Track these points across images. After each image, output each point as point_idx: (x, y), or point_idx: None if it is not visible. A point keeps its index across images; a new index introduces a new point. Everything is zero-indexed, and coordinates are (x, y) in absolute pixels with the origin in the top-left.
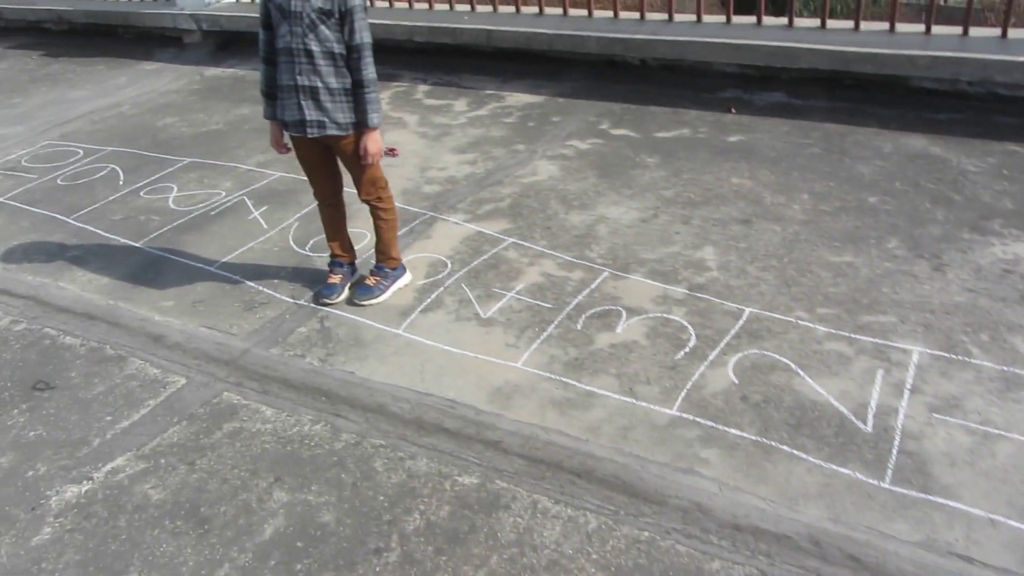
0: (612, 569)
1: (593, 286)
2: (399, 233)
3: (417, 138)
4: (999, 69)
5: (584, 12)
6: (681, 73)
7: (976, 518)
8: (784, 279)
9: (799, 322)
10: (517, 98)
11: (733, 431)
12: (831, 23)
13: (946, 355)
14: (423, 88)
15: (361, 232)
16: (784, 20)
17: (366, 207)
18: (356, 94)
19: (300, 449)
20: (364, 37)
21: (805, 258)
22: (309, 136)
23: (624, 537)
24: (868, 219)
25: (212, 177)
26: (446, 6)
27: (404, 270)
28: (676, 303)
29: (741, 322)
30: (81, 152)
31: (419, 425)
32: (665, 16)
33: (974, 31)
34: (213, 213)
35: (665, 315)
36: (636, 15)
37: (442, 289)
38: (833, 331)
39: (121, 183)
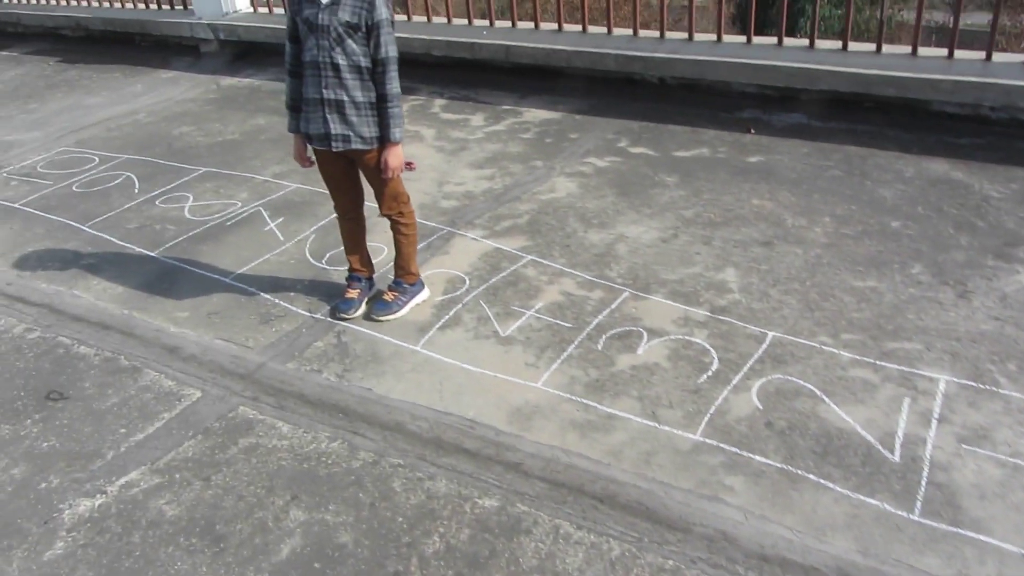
0: None
1: (613, 306)
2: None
3: (434, 152)
4: (1022, 95)
5: (603, 29)
6: (699, 92)
7: (1009, 554)
8: (807, 303)
9: (823, 347)
10: (534, 114)
11: (758, 458)
12: (853, 45)
13: (973, 384)
14: (440, 102)
15: (378, 246)
16: (805, 41)
17: (382, 221)
18: (380, 108)
19: (317, 467)
20: (390, 51)
21: (828, 282)
22: (334, 150)
23: (648, 565)
24: (891, 244)
25: (228, 187)
26: (464, 21)
27: (422, 286)
28: (698, 325)
29: (764, 346)
30: (97, 159)
31: (438, 445)
32: (685, 35)
33: (997, 56)
34: (229, 224)
35: (687, 337)
36: (656, 33)
37: (460, 306)
38: (858, 357)
39: (136, 191)
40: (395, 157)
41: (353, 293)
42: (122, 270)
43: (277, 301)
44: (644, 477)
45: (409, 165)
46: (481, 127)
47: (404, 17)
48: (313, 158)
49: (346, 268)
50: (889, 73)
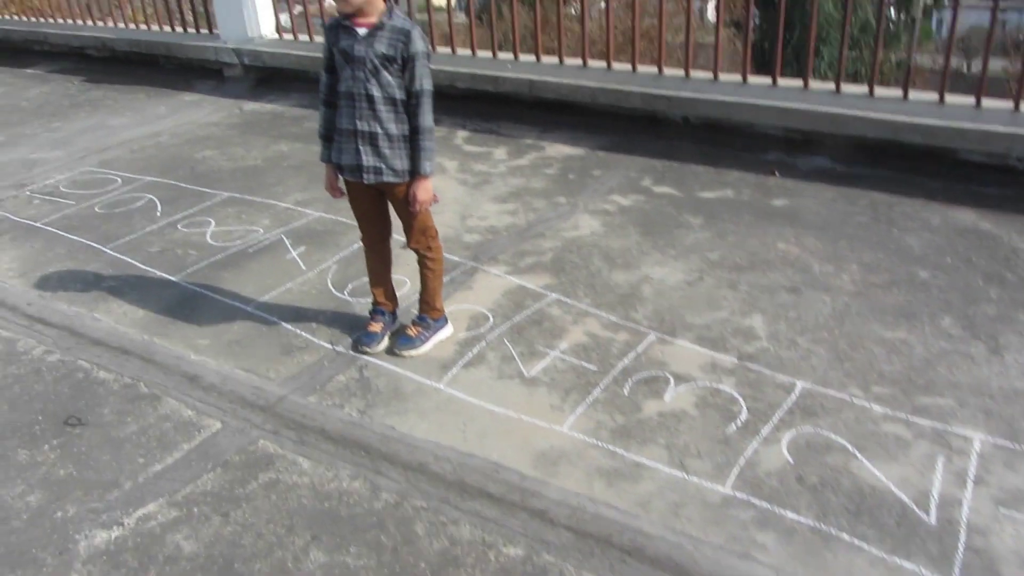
0: None
1: (639, 349)
2: None
3: (457, 184)
4: None
5: (628, 66)
6: (722, 132)
7: None
8: (836, 353)
9: (854, 400)
10: (557, 149)
11: (790, 514)
12: (879, 91)
13: (1010, 444)
14: (462, 134)
15: (401, 279)
16: (831, 85)
17: (404, 253)
18: (412, 140)
19: (338, 506)
20: (425, 84)
21: (857, 332)
22: (365, 182)
23: None
24: (920, 294)
25: (250, 213)
26: (489, 54)
27: (446, 322)
28: (725, 372)
29: (794, 397)
30: (119, 180)
31: (462, 488)
32: (710, 75)
33: None
34: (251, 251)
35: (714, 384)
36: (680, 72)
37: (484, 344)
38: (890, 412)
39: (159, 214)
40: (424, 191)
41: (376, 327)
42: (143, 294)
43: (299, 332)
44: (673, 530)
45: (433, 197)
46: (504, 161)
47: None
48: (344, 189)
49: (368, 300)
50: (917, 120)
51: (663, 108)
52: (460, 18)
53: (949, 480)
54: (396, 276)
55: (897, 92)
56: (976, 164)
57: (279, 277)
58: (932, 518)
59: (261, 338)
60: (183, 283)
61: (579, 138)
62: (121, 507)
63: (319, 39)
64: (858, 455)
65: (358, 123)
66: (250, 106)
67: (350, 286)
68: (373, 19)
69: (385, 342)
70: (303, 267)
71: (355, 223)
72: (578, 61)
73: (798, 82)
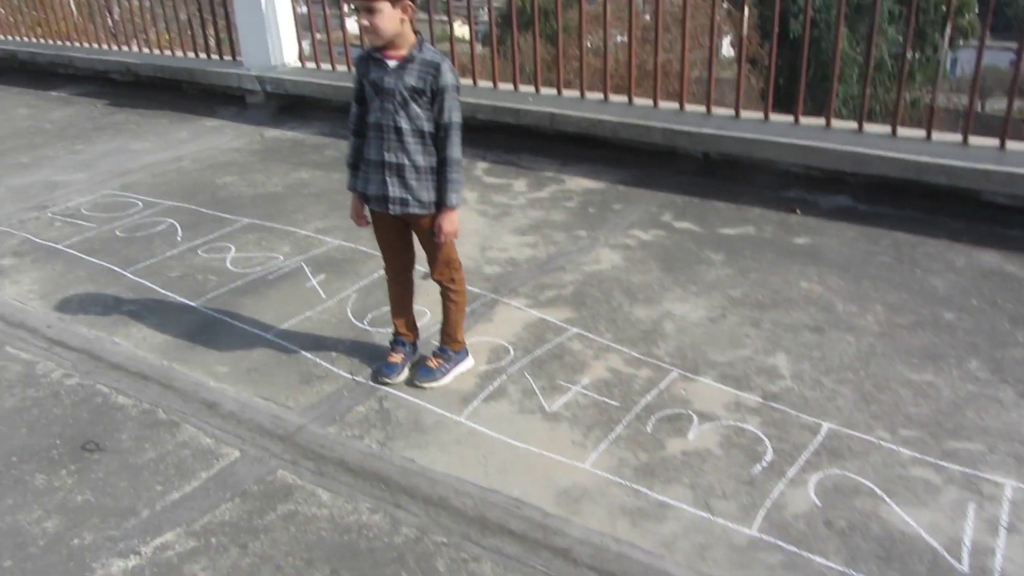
0: None
1: (662, 386)
2: None
3: (476, 215)
4: None
5: (649, 101)
6: (742, 169)
7: None
8: (862, 394)
9: (881, 443)
10: (577, 182)
11: (818, 559)
12: (902, 131)
13: None
14: (482, 165)
15: (421, 309)
16: (853, 124)
17: (425, 284)
18: (440, 172)
19: (358, 540)
20: (454, 117)
21: (883, 373)
22: (391, 213)
23: None
24: (945, 336)
25: (270, 240)
26: (510, 86)
27: (467, 354)
28: (750, 412)
29: (820, 438)
30: (141, 204)
31: (483, 524)
32: (731, 112)
33: None
34: (271, 278)
35: (739, 424)
36: (702, 108)
37: (504, 377)
38: (918, 456)
39: (179, 239)
40: (450, 222)
41: (396, 357)
42: (162, 319)
43: (318, 360)
44: (699, 572)
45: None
46: (524, 193)
47: None
48: (369, 218)
49: (387, 330)
50: (941, 161)
51: (684, 144)
52: (479, 49)
53: (981, 527)
54: (416, 306)
55: (920, 132)
56: (1000, 206)
57: (299, 305)
58: (965, 566)
59: (280, 366)
60: (203, 308)
61: (599, 171)
62: (139, 535)
63: (341, 68)
64: (887, 499)
65: (386, 154)
66: (271, 133)
67: (370, 315)
68: (403, 51)
69: (405, 373)
70: (323, 295)
71: (374, 252)
72: (599, 95)
73: (820, 120)
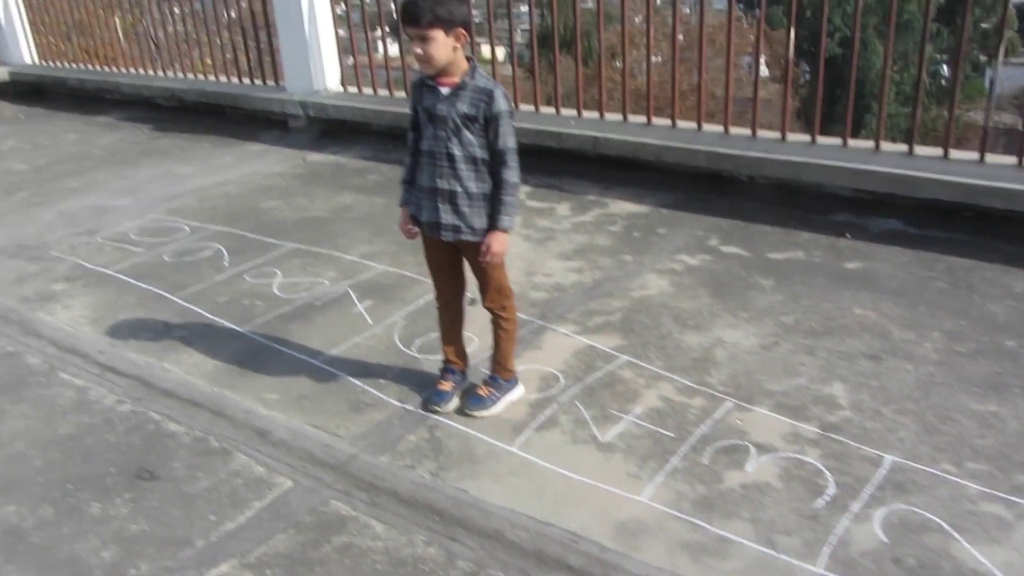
0: None
1: (717, 416)
2: None
3: (521, 240)
4: None
5: (693, 124)
6: (789, 192)
7: None
8: (924, 426)
9: (947, 477)
10: (620, 206)
11: None
12: (954, 153)
13: None
14: (525, 189)
15: (469, 336)
16: (903, 147)
17: (473, 311)
18: (495, 195)
19: (414, 574)
20: (509, 142)
21: (944, 403)
22: (443, 239)
23: None
24: (1008, 365)
25: (316, 265)
26: (552, 110)
27: (517, 383)
28: (809, 443)
29: (883, 471)
30: (187, 229)
31: (539, 559)
32: (777, 135)
33: None
34: (318, 304)
35: (798, 455)
36: (747, 131)
37: (556, 406)
38: (987, 490)
39: (226, 264)
40: (499, 243)
41: (447, 385)
42: (212, 345)
43: (367, 388)
44: None
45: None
46: (567, 217)
47: None
48: (416, 229)
49: (435, 357)
50: (997, 184)
51: (729, 167)
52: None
53: None
54: (464, 333)
55: (973, 155)
56: None
57: (346, 331)
58: None
59: (330, 394)
60: (251, 334)
61: (642, 195)
62: (194, 566)
63: (383, 92)
64: (957, 536)
65: (438, 181)
66: (313, 157)
67: (418, 342)
68: (456, 79)
69: (455, 401)
70: (370, 321)
71: (420, 277)
72: (642, 118)
73: (869, 143)
